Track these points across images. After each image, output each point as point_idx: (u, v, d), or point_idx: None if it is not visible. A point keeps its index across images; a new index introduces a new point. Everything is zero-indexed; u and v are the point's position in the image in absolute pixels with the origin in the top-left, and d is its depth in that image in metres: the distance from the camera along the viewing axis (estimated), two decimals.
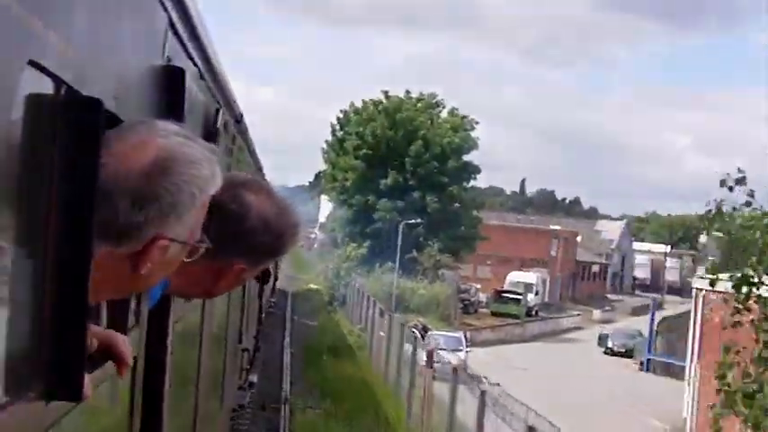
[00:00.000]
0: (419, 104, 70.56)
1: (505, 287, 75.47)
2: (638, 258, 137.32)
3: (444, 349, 39.17)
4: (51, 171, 1.46)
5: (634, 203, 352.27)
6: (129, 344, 1.96)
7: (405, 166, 68.41)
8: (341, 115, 71.19)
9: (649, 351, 56.35)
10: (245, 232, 2.48)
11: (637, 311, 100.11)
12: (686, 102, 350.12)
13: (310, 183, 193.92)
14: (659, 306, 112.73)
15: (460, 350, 44.71)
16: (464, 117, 71.02)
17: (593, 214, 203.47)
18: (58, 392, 1.54)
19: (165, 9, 2.41)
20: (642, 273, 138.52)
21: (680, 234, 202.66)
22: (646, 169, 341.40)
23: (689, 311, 57.87)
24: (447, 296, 61.48)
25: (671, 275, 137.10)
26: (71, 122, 1.49)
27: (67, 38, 1.46)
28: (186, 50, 2.90)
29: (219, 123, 3.92)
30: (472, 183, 71.31)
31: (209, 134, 3.64)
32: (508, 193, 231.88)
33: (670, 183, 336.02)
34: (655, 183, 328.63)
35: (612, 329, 68.77)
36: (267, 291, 16.98)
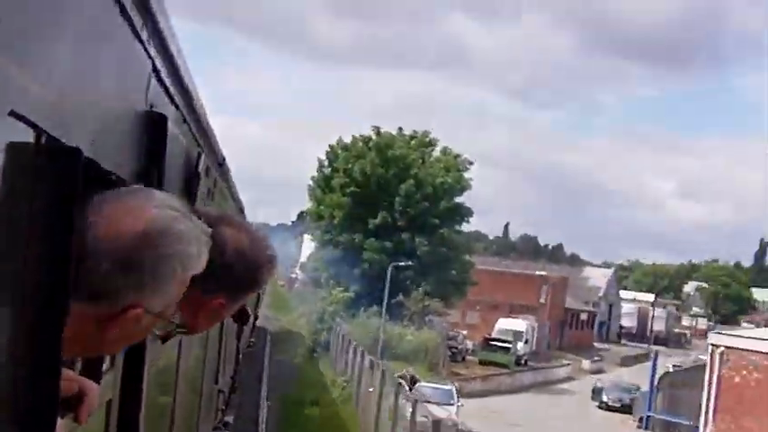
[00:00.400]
0: (412, 142, 67.40)
1: (494, 334, 71.95)
2: (625, 307, 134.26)
3: (434, 403, 35.89)
4: (30, 220, 1.46)
5: (616, 250, 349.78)
6: (97, 395, 1.95)
7: (394, 206, 65.10)
8: (328, 151, 67.90)
9: (650, 408, 52.80)
10: (222, 266, 2.41)
11: (626, 362, 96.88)
12: (672, 146, 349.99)
13: (293, 222, 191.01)
14: (647, 357, 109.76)
15: (451, 404, 41.34)
16: (457, 156, 67.89)
17: (574, 261, 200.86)
18: None
19: (149, 55, 2.39)
20: (628, 321, 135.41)
21: (665, 283, 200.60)
22: (629, 214, 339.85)
23: (694, 366, 54.94)
24: (436, 344, 57.91)
25: (657, 325, 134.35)
26: (50, 171, 1.49)
27: (48, 86, 1.46)
28: (169, 95, 2.89)
29: (201, 167, 3.87)
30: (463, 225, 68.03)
31: (191, 178, 3.63)
32: (491, 237, 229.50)
33: (654, 229, 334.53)
34: (638, 228, 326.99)
35: (608, 382, 65.28)
36: (246, 331, 16.55)
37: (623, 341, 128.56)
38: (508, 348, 68.59)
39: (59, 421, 1.62)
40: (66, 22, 1.57)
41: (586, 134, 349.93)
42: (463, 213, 67.14)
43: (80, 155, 1.52)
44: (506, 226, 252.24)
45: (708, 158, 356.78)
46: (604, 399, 61.05)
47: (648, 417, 52.65)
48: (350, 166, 65.64)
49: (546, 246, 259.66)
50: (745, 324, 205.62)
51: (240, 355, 15.57)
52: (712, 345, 37.37)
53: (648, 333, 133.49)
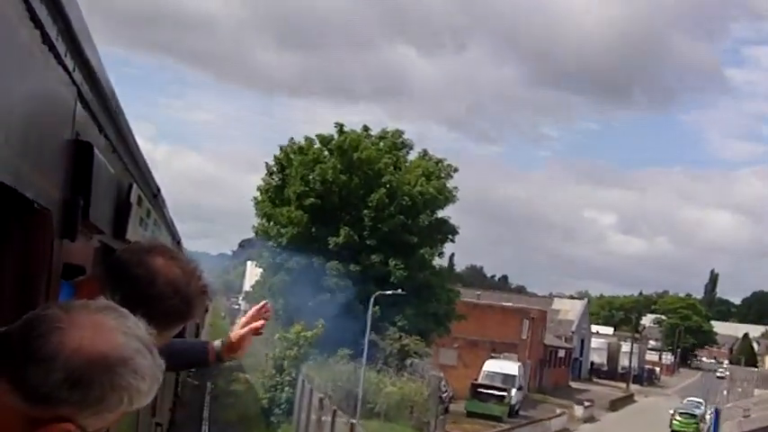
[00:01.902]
0: (381, 143, 53.34)
1: (481, 379, 57.78)
2: (594, 342, 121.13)
3: None
4: None
5: (560, 282, 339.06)
6: None
7: (362, 221, 50.99)
8: (280, 154, 53.50)
9: None
10: (153, 297, 2.43)
11: (614, 406, 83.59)
12: (612, 180, 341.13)
13: (234, 252, 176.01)
14: (632, 399, 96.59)
15: None
16: (439, 162, 54.00)
17: (521, 293, 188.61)
18: None
19: (74, 81, 2.31)
20: (598, 357, 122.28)
21: (620, 315, 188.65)
22: (571, 247, 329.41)
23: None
24: (424, 397, 43.57)
25: (626, 360, 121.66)
26: None
27: None
28: (97, 124, 2.80)
29: (133, 198, 3.74)
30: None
31: (121, 208, 3.48)
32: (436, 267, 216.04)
33: (596, 261, 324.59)
34: (581, 261, 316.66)
35: None
36: None
37: (594, 379, 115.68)
38: (502, 397, 54.62)
39: None
40: None
41: (527, 166, 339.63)
42: (446, 231, 53.21)
43: None
44: (452, 257, 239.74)
45: (647, 191, 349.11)
46: None
47: None
48: (306, 172, 51.42)
49: (492, 276, 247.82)
50: (704, 359, 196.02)
51: (179, 387, 14.85)
52: None
53: (620, 369, 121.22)
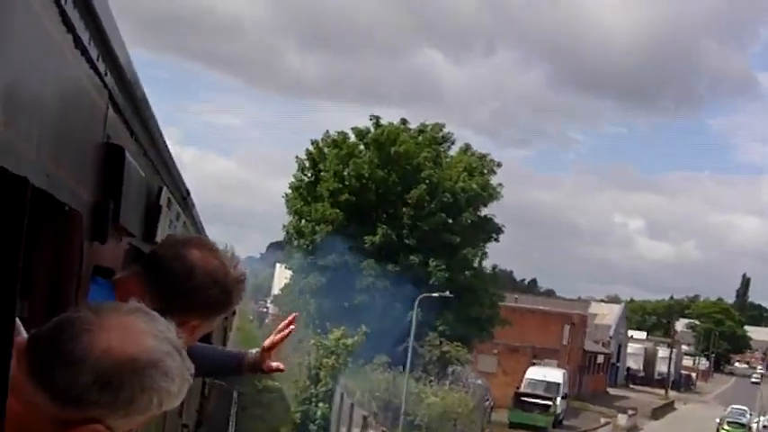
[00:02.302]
0: (420, 138, 49.86)
1: (524, 387, 54.07)
2: (631, 347, 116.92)
3: None
4: None
5: (587, 286, 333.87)
6: None
7: (401, 219, 47.53)
8: (312, 149, 50.10)
9: None
10: (192, 289, 2.46)
11: (657, 414, 79.61)
12: (639, 184, 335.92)
13: (262, 254, 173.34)
14: (672, 406, 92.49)
15: None
16: (482, 157, 50.43)
17: (550, 296, 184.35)
18: None
19: (106, 86, 2.33)
20: (634, 363, 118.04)
21: (653, 320, 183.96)
22: (598, 251, 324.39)
23: None
24: (469, 409, 40.00)
25: (662, 366, 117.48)
26: None
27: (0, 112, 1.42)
28: (128, 127, 2.83)
29: (162, 200, 3.75)
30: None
31: (151, 211, 3.48)
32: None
33: (624, 265, 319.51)
34: (608, 265, 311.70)
35: None
36: None
37: (630, 385, 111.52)
38: (547, 406, 50.94)
39: None
40: (21, 52, 1.50)
41: (554, 170, 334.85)
42: (490, 230, 49.65)
43: (26, 184, 1.48)
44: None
45: (675, 196, 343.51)
46: None
47: None
48: (340, 167, 48.05)
49: (522, 280, 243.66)
50: (737, 364, 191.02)
51: (206, 389, 14.10)
52: None
53: (657, 375, 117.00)
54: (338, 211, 46.91)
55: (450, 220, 47.59)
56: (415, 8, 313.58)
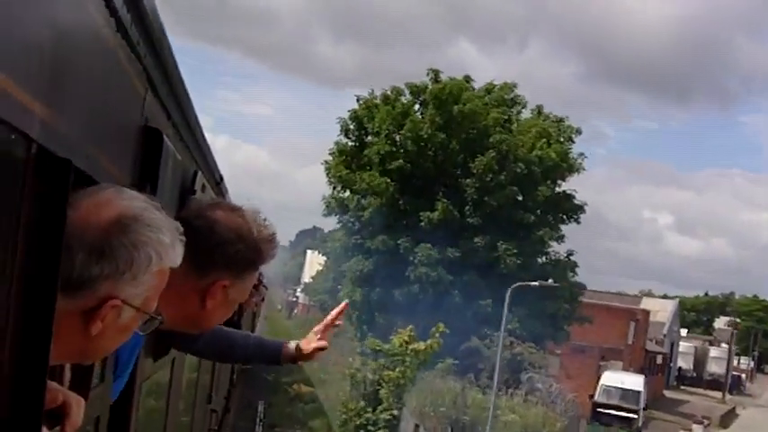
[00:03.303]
0: (487, 97, 40.76)
1: (599, 396, 44.85)
2: (681, 346, 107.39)
3: None
4: (17, 229, 1.41)
5: (615, 281, 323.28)
6: (82, 408, 1.81)
7: (464, 193, 38.62)
8: (359, 108, 41.10)
9: None
10: (216, 245, 2.38)
11: (725, 422, 70.41)
12: (670, 180, 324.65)
13: (291, 242, 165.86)
14: (734, 411, 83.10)
15: None
16: (560, 121, 41.35)
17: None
18: None
19: (145, 70, 2.32)
20: (684, 363, 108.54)
21: (692, 317, 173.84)
22: (627, 246, 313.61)
23: None
24: (557, 427, 30.97)
25: (717, 367, 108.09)
26: (40, 181, 1.45)
27: (42, 97, 1.41)
28: (165, 111, 2.83)
29: (197, 185, 3.69)
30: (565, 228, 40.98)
31: (186, 195, 3.38)
32: None
33: (654, 261, 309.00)
34: (637, 260, 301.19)
35: None
36: None
37: (680, 386, 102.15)
38: (628, 419, 41.93)
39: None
40: (63, 35, 1.50)
41: (585, 165, 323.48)
42: (569, 209, 40.54)
43: (70, 166, 1.50)
44: None
45: (705, 192, 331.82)
46: None
47: None
48: (392, 128, 39.16)
49: None
50: None
51: (234, 375, 14.19)
52: None
53: (707, 376, 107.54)
54: (389, 180, 38.00)
55: (524, 195, 38.57)
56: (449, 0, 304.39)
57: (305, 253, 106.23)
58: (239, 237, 2.39)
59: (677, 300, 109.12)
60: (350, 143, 40.78)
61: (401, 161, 38.39)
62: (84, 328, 1.63)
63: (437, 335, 23.67)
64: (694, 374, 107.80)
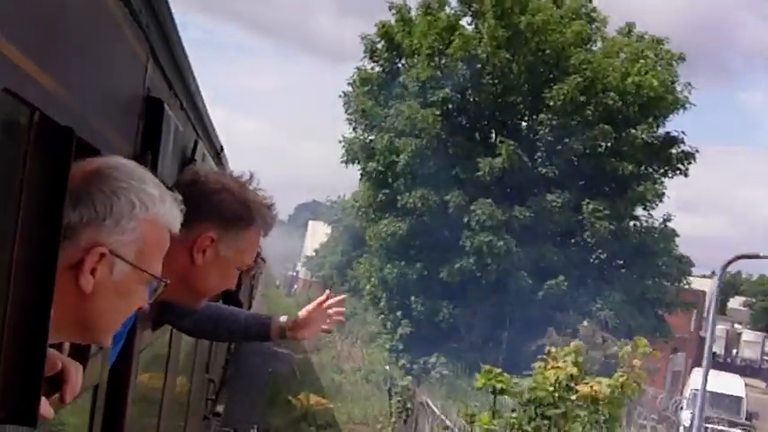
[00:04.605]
0: (560, 10, 29.56)
1: (688, 405, 33.96)
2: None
3: None
4: (19, 196, 1.37)
5: None
6: (80, 375, 1.73)
7: (534, 134, 27.71)
8: (393, 20, 29.89)
9: None
10: (202, 193, 2.28)
11: None
12: None
13: (290, 216, 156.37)
14: None
15: None
16: (658, 42, 30.10)
17: None
18: (12, 417, 1.42)
19: (147, 38, 2.22)
20: (717, 347, 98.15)
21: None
22: None
23: None
24: None
25: (750, 352, 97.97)
26: (42, 149, 1.41)
27: (44, 65, 1.38)
28: (167, 80, 2.67)
29: (198, 155, 3.47)
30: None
31: (187, 165, 3.07)
32: None
33: None
34: None
35: None
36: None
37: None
38: None
39: (43, 399, 1.46)
40: (64, 5, 1.47)
41: None
42: (674, 157, 29.44)
43: (72, 134, 1.45)
44: None
45: (704, 169, 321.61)
46: None
47: None
48: (437, 45, 28.09)
49: None
50: None
51: (232, 345, 13.49)
52: None
53: (740, 361, 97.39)
54: (433, 113, 26.99)
55: (617, 138, 27.61)
56: None
57: (306, 225, 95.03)
58: (225, 188, 2.29)
59: (716, 277, 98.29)
60: (377, 69, 29.70)
61: (448, 90, 27.34)
62: (75, 285, 1.52)
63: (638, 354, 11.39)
64: (727, 360, 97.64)
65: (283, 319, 3.03)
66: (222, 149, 5.52)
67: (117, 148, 1.96)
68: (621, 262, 27.68)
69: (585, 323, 26.34)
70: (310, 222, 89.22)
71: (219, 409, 10.64)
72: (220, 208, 2.27)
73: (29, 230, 1.38)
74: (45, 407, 1.47)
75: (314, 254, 72.52)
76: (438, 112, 26.98)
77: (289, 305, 59.35)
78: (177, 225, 1.68)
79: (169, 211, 1.65)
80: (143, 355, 2.97)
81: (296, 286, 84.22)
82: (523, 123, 28.01)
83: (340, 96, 29.79)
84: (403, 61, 29.58)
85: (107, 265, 1.55)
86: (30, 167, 1.37)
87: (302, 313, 3.03)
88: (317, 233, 76.50)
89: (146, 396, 3.41)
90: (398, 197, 27.38)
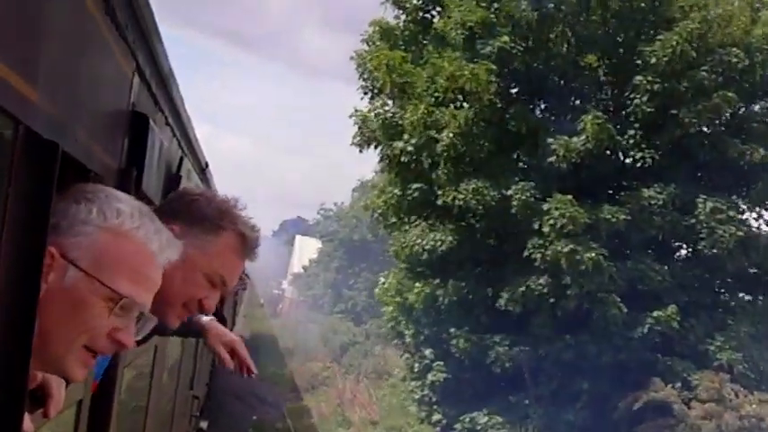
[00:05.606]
0: None
1: None
2: None
3: None
4: (4, 211, 1.34)
5: None
6: (62, 389, 1.69)
7: (627, 101, 19.74)
8: None
9: None
10: (180, 197, 2.26)
11: None
12: None
13: (274, 232, 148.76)
14: None
15: None
16: None
17: None
18: None
19: (133, 54, 2.22)
20: None
21: None
22: None
23: None
24: None
25: None
26: (27, 164, 1.38)
27: (30, 80, 1.37)
28: (152, 96, 2.68)
29: (183, 170, 3.48)
30: None
31: (171, 181, 3.21)
32: None
33: None
34: None
35: None
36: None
37: None
38: None
39: (26, 416, 1.43)
40: (51, 19, 1.46)
41: None
42: None
43: (57, 149, 1.43)
44: None
45: None
46: None
47: None
48: None
49: None
50: None
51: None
52: None
53: None
54: (488, 69, 18.84)
55: (741, 111, 19.64)
56: None
57: (292, 241, 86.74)
58: (202, 194, 2.25)
59: None
60: (404, 18, 21.57)
61: (507, 38, 19.20)
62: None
63: None
64: None
65: (205, 319, 2.83)
66: (207, 165, 5.32)
67: (102, 163, 1.91)
68: (753, 280, 19.63)
69: (697, 374, 18.31)
70: (297, 237, 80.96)
71: (203, 425, 10.18)
72: (190, 208, 2.16)
73: (13, 245, 1.32)
74: (26, 423, 1.39)
75: (302, 271, 64.48)
76: (493, 68, 18.82)
77: (274, 327, 51.27)
78: (161, 248, 1.53)
79: (142, 229, 1.51)
80: (127, 370, 2.88)
81: (281, 305, 75.94)
82: (614, 89, 19.90)
83: (352, 58, 21.59)
84: (437, 10, 21.53)
85: (59, 270, 1.44)
86: (15, 182, 1.32)
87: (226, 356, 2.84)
88: (306, 249, 68.57)
89: (130, 412, 3.30)
90: (439, 193, 19.14)
